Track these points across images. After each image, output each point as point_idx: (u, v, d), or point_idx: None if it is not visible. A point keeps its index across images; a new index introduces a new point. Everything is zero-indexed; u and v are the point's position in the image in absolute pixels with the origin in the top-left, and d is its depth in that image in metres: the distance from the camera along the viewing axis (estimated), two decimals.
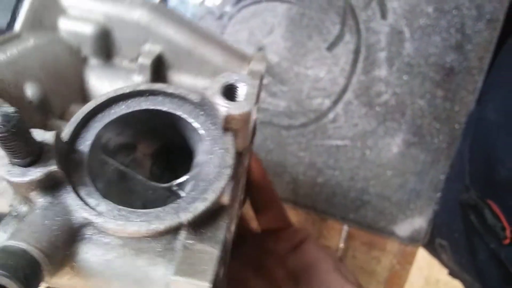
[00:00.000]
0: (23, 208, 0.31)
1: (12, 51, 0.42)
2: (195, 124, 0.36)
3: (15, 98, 0.39)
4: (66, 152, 0.33)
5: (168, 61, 0.51)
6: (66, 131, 0.34)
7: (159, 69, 0.52)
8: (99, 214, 0.30)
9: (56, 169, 0.30)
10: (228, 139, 0.34)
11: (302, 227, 0.68)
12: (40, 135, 0.31)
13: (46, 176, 0.29)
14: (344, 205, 0.99)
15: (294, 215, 1.00)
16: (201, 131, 0.36)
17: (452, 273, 0.95)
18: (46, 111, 0.42)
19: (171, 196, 0.38)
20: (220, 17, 0.98)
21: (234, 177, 0.35)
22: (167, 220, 0.29)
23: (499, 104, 0.63)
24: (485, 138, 0.63)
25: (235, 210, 0.41)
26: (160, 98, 0.38)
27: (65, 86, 0.45)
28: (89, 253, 0.29)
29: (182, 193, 0.37)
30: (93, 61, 0.50)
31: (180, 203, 0.31)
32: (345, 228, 0.99)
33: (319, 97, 0.97)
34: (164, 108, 0.37)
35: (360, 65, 0.96)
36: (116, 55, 0.51)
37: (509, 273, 0.63)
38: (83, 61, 0.50)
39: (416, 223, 0.97)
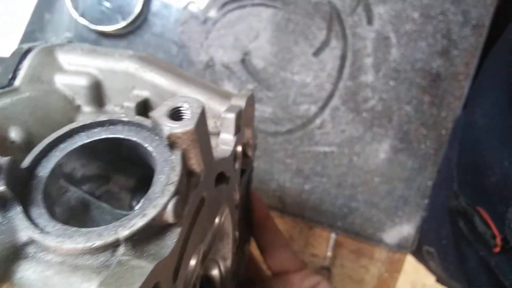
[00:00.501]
0: None
1: (5, 100, 0.46)
2: (149, 148, 0.37)
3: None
4: (25, 179, 0.35)
5: (154, 103, 0.56)
6: (27, 159, 0.36)
7: (145, 111, 0.55)
8: (44, 233, 0.31)
9: (4, 189, 0.31)
10: (175, 158, 0.35)
11: (315, 271, 0.67)
12: None
13: None
14: (332, 213, 0.99)
15: (281, 223, 1.00)
16: (154, 154, 0.37)
17: (440, 280, 0.94)
18: (30, 150, 0.45)
19: None
20: (204, 21, 0.99)
21: (183, 195, 0.35)
22: (104, 236, 0.30)
23: (488, 109, 0.62)
24: (473, 143, 0.62)
25: (197, 233, 0.42)
26: (119, 127, 0.39)
27: (53, 130, 0.48)
28: (30, 269, 0.30)
29: None
30: (86, 109, 0.54)
31: (123, 221, 0.32)
32: (333, 236, 0.99)
33: (306, 103, 0.98)
34: (122, 136, 0.38)
35: (346, 70, 0.96)
36: (108, 102, 0.56)
37: (500, 281, 0.62)
38: (76, 109, 0.54)
39: (404, 230, 0.96)
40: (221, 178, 0.47)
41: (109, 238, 0.30)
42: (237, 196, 0.57)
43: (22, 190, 0.34)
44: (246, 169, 0.61)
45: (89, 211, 0.40)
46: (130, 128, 0.39)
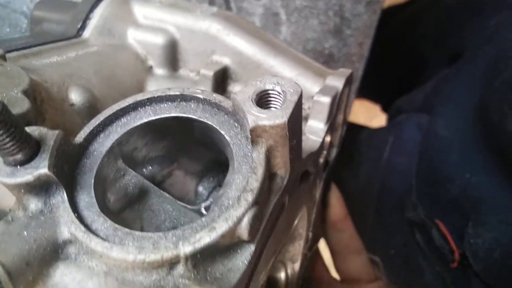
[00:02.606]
0: (19, 213, 0.27)
1: (70, 54, 0.40)
2: (227, 137, 0.30)
3: (56, 99, 0.37)
4: (76, 157, 0.29)
5: (234, 73, 0.48)
6: (81, 133, 0.30)
7: (223, 82, 0.48)
8: (89, 231, 0.25)
9: (47, 173, 0.25)
10: (258, 157, 0.27)
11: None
12: (37, 132, 0.27)
13: (35, 180, 0.25)
14: None
15: None
16: (231, 145, 0.29)
17: None
18: (91, 115, 0.39)
19: None
20: None
21: (263, 205, 0.28)
22: (161, 250, 0.24)
23: (451, 121, 0.56)
24: (434, 154, 0.57)
25: (272, 245, 0.35)
26: (192, 104, 0.32)
27: (119, 93, 0.42)
28: (68, 276, 0.24)
29: None
30: (159, 71, 0.48)
31: (185, 230, 0.25)
32: None
33: None
34: (195, 117, 0.31)
35: None
36: (183, 66, 0.49)
37: None
38: (148, 70, 0.47)
39: None
40: (304, 176, 0.39)
41: (166, 253, 0.24)
42: (317, 194, 0.49)
43: (72, 170, 0.29)
44: (330, 161, 0.52)
45: (148, 199, 0.34)
46: (205, 107, 0.32)
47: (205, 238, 0.24)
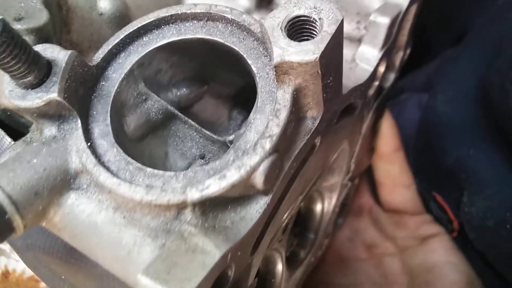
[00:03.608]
0: (37, 135, 0.26)
1: None
2: (253, 68, 0.26)
3: (83, 7, 0.34)
4: (94, 78, 0.27)
5: None
6: (99, 53, 0.28)
7: None
8: (100, 164, 0.24)
9: (57, 98, 0.24)
10: (283, 97, 0.24)
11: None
12: (49, 51, 0.25)
13: (46, 105, 0.24)
14: None
15: None
16: (257, 78, 0.26)
17: None
18: (122, 26, 0.36)
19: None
20: None
21: (285, 151, 0.25)
22: (168, 193, 0.22)
23: (451, 97, 0.56)
24: (432, 128, 0.57)
25: (297, 191, 0.32)
26: (219, 25, 0.28)
27: (154, 2, 0.38)
28: (79, 207, 0.24)
29: None
30: None
31: (197, 172, 0.24)
32: None
33: None
34: (221, 40, 0.27)
35: None
36: None
37: None
38: None
39: None
40: (347, 109, 0.34)
41: (173, 198, 0.22)
42: (365, 125, 0.44)
43: (88, 94, 0.27)
44: (385, 89, 0.46)
45: (174, 124, 0.32)
46: (233, 30, 0.28)
47: (214, 186, 0.22)
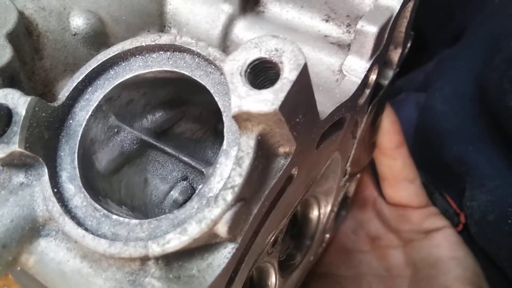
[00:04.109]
0: (6, 182, 0.26)
1: None
2: (220, 105, 0.25)
3: (55, 30, 0.32)
4: (60, 119, 0.26)
5: None
6: (64, 91, 0.27)
7: None
8: (66, 211, 0.24)
9: (18, 150, 0.23)
10: (246, 144, 0.23)
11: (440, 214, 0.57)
12: (9, 97, 0.24)
13: (8, 156, 0.24)
14: None
15: None
16: (224, 118, 0.25)
17: None
18: (100, 44, 0.34)
19: None
20: None
21: (253, 196, 0.24)
22: (130, 247, 0.22)
23: (449, 95, 0.58)
24: (431, 127, 0.58)
25: (276, 219, 0.31)
26: (186, 56, 0.26)
27: (133, 14, 0.36)
28: (48, 255, 0.24)
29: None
30: None
31: (161, 221, 0.23)
32: None
33: None
34: (189, 74, 0.26)
35: None
36: None
37: None
38: None
39: None
40: (333, 125, 0.33)
41: (135, 252, 0.22)
42: (360, 130, 0.42)
43: (55, 136, 0.26)
44: (384, 85, 0.44)
45: (150, 152, 0.32)
46: (200, 62, 0.26)
47: (174, 241, 0.22)
